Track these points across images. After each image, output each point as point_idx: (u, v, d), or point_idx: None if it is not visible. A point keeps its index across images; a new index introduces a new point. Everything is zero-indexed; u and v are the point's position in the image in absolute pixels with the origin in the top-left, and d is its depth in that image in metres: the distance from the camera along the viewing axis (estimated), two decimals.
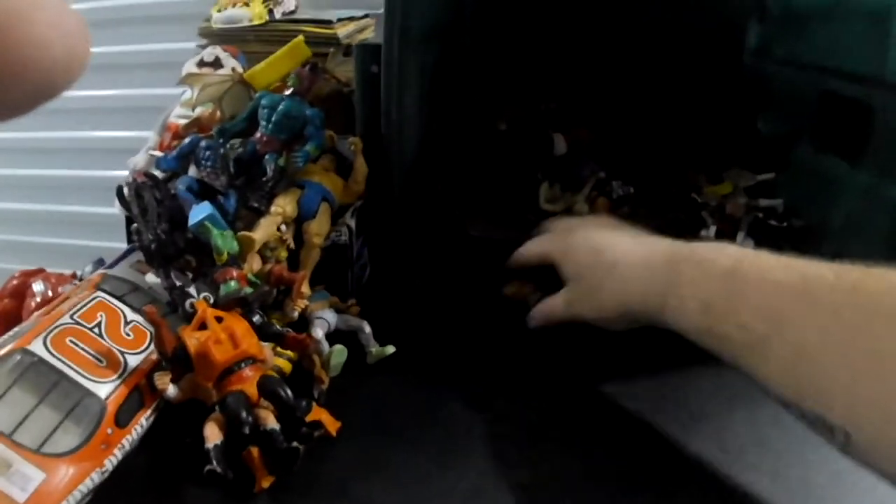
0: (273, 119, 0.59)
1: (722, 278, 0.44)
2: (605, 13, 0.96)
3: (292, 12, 0.93)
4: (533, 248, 0.63)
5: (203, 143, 0.60)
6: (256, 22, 0.82)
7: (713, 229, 0.71)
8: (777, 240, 0.73)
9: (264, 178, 0.56)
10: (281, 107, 0.59)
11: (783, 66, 0.93)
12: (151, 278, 0.57)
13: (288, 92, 0.61)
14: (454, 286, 0.68)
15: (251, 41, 0.82)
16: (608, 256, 0.54)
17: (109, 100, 1.31)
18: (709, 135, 0.90)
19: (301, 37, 0.67)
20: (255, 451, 0.46)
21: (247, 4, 0.82)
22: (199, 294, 0.51)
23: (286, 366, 0.54)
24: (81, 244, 1.44)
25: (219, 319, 0.49)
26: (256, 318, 0.51)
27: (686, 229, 0.75)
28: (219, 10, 0.83)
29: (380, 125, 0.60)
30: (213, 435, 0.46)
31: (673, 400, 0.55)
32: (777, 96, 0.94)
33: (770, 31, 0.96)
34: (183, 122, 0.70)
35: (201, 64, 0.76)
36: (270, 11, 0.84)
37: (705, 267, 0.45)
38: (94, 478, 0.43)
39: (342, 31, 0.82)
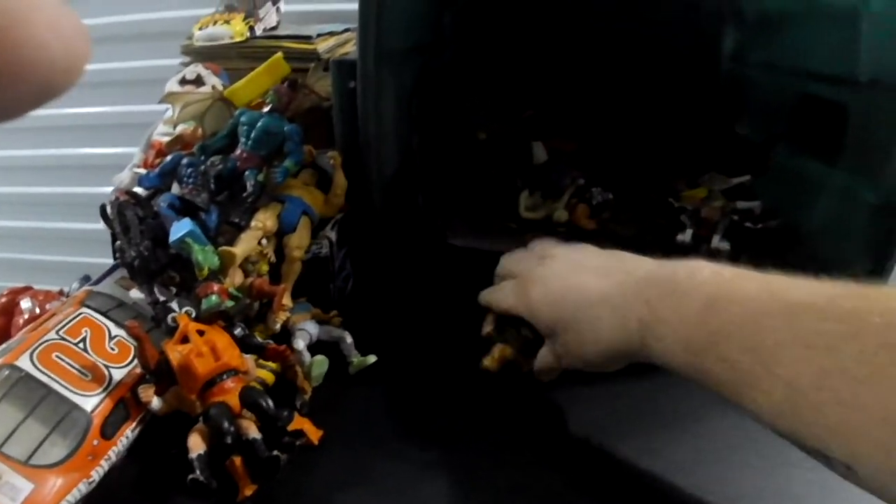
0: (252, 136, 0.61)
1: (699, 313, 0.41)
2: (583, 23, 0.99)
3: (274, 28, 0.95)
4: (498, 303, 0.58)
5: (185, 161, 0.62)
6: (237, 39, 0.84)
7: (689, 233, 0.73)
8: (753, 242, 0.76)
9: (244, 194, 0.59)
10: (260, 123, 0.61)
11: (759, 71, 0.95)
12: (136, 294, 0.59)
13: (267, 108, 0.63)
14: (436, 295, 0.70)
15: (233, 58, 0.85)
16: (571, 308, 0.50)
17: (95, 117, 1.33)
18: (687, 140, 0.93)
19: (280, 53, 0.70)
20: (237, 460, 0.48)
21: (227, 22, 0.84)
22: (181, 308, 0.53)
23: (269, 377, 0.56)
24: (69, 261, 1.46)
25: (201, 333, 0.51)
26: (238, 331, 0.53)
27: (665, 233, 0.78)
28: (200, 28, 0.85)
29: (358, 139, 0.62)
30: (196, 445, 0.48)
31: (651, 402, 0.57)
32: (754, 100, 0.96)
33: (745, 36, 0.99)
34: (166, 139, 0.73)
35: (183, 82, 0.78)
36: (251, 28, 0.86)
37: (681, 302, 0.42)
38: (82, 488, 0.46)
39: (322, 46, 0.84)
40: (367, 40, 0.59)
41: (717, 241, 0.72)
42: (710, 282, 0.42)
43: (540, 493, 0.50)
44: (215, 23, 0.85)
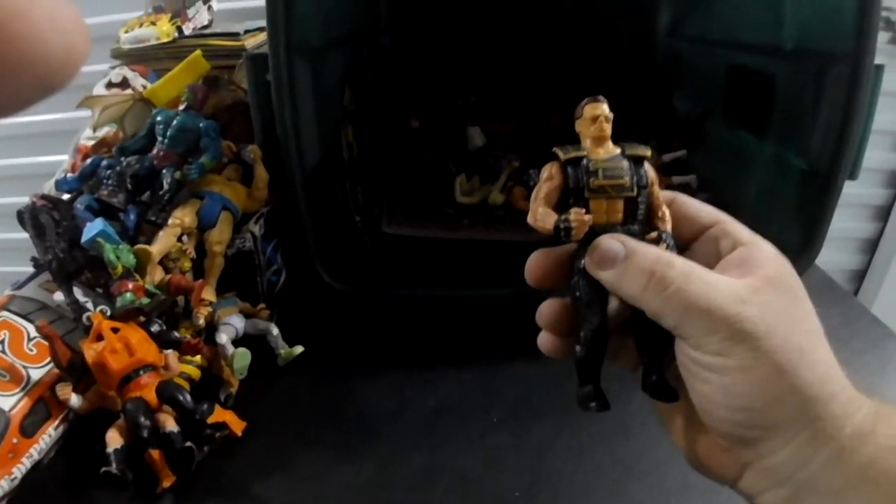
0: (168, 134, 0.63)
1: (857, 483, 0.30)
2: (519, 4, 1.01)
3: (206, 27, 0.97)
4: (631, 291, 0.33)
5: (104, 163, 0.64)
6: (164, 40, 0.86)
7: None
8: None
9: (161, 192, 0.61)
10: (175, 121, 0.63)
11: (693, 44, 0.98)
12: (59, 296, 0.61)
13: (182, 106, 0.65)
14: (369, 284, 0.72)
15: (162, 59, 0.86)
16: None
17: (22, 126, 1.35)
18: (626, 117, 0.95)
19: (199, 51, 0.72)
20: (155, 453, 0.50)
21: (153, 23, 0.86)
22: (98, 307, 0.55)
23: (194, 371, 0.59)
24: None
25: (116, 330, 0.53)
26: (154, 327, 0.55)
27: None
28: (126, 31, 0.87)
29: (276, 132, 0.64)
30: (113, 440, 0.50)
31: None
32: (689, 74, 0.99)
33: (680, 10, 1.02)
34: (92, 143, 0.75)
35: (110, 85, 0.80)
36: (179, 28, 0.88)
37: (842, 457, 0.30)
38: (4, 485, 0.48)
39: (249, 42, 0.86)
40: (276, 34, 0.61)
41: None
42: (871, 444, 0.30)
43: (456, 474, 0.52)
44: (141, 25, 0.87)
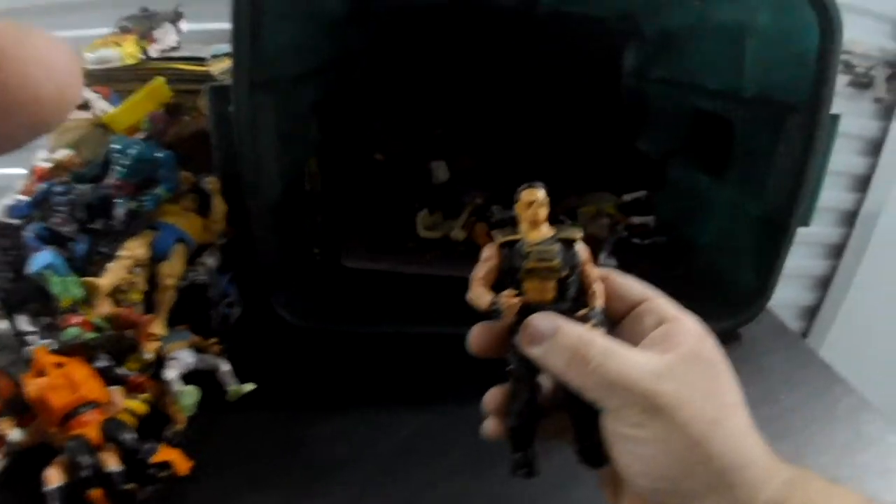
0: (125, 163, 0.62)
1: None
2: (489, 43, 1.03)
3: (174, 49, 0.97)
4: (553, 364, 0.35)
5: (57, 189, 0.63)
6: (129, 62, 0.85)
7: None
8: (642, 258, 0.79)
9: (113, 223, 0.60)
10: (132, 151, 0.63)
11: (658, 86, 1.01)
12: (4, 325, 0.60)
13: (141, 136, 0.64)
14: (325, 319, 0.71)
15: (126, 80, 0.86)
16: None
17: None
18: (589, 156, 0.97)
19: (161, 78, 0.71)
20: (96, 493, 0.49)
21: (118, 44, 0.85)
22: (45, 340, 0.54)
23: (140, 407, 0.58)
24: None
25: (60, 365, 0.52)
26: (100, 363, 0.54)
27: None
28: (90, 51, 0.86)
29: (235, 165, 0.64)
30: (52, 478, 0.49)
31: None
32: (653, 116, 1.01)
33: (646, 52, 1.04)
34: (48, 165, 0.73)
35: None
36: (144, 50, 0.88)
37: None
38: None
39: (216, 67, 0.85)
40: (240, 71, 0.61)
41: (603, 259, 0.76)
42: None
43: None
44: (106, 45, 0.86)
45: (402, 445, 0.59)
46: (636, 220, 0.86)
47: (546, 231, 0.35)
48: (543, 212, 0.35)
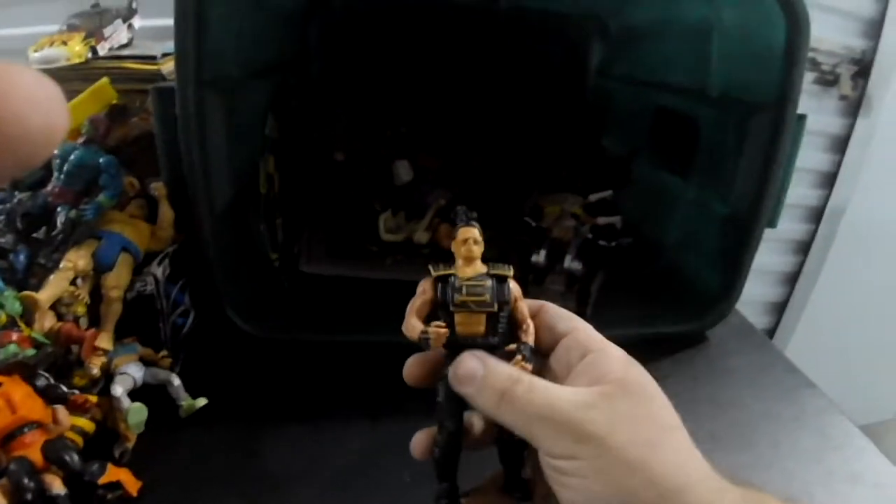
0: (65, 169, 0.59)
1: None
2: (452, 39, 1.01)
3: (125, 45, 0.93)
4: (484, 405, 0.36)
5: None
6: (76, 61, 0.81)
7: (543, 253, 0.75)
8: (608, 259, 0.78)
9: (53, 233, 0.57)
10: (72, 156, 0.60)
11: (623, 84, 1.00)
12: None
13: (82, 140, 0.62)
14: (283, 328, 0.69)
15: (72, 80, 0.82)
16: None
17: None
18: (554, 156, 0.95)
19: (106, 79, 0.68)
20: None
21: (65, 43, 0.82)
22: None
23: (88, 425, 0.55)
24: None
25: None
26: (40, 382, 0.52)
27: (527, 253, 0.79)
28: (36, 50, 0.82)
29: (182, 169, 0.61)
30: None
31: None
32: (618, 114, 1.00)
33: (612, 49, 1.03)
34: None
35: None
36: (93, 48, 0.84)
37: None
38: None
39: (166, 66, 0.82)
40: (185, 69, 0.59)
41: (569, 262, 0.74)
42: None
43: None
44: (52, 44, 0.82)
45: (357, 458, 0.58)
46: (602, 220, 0.84)
47: (479, 267, 0.36)
48: (478, 249, 0.36)
